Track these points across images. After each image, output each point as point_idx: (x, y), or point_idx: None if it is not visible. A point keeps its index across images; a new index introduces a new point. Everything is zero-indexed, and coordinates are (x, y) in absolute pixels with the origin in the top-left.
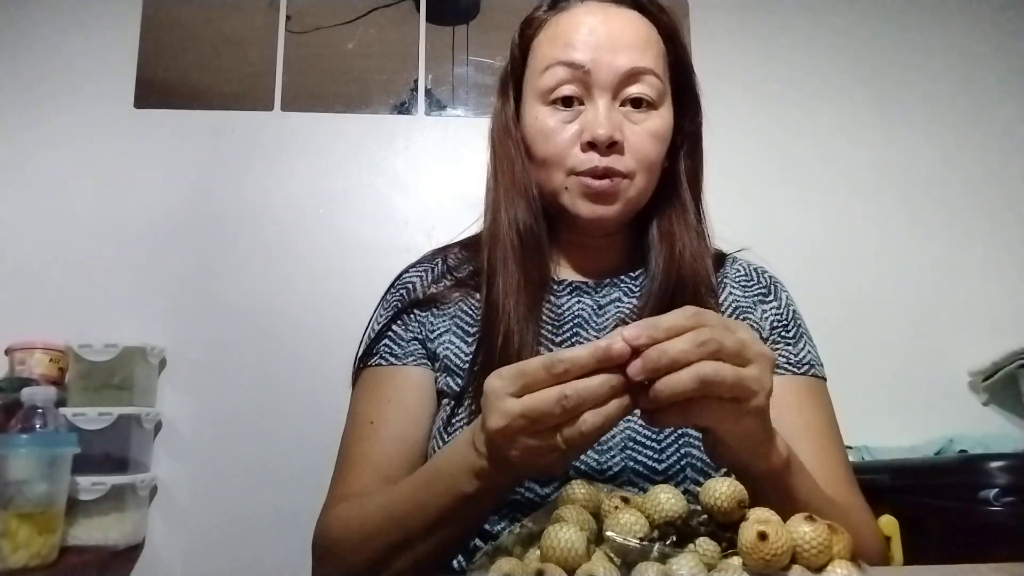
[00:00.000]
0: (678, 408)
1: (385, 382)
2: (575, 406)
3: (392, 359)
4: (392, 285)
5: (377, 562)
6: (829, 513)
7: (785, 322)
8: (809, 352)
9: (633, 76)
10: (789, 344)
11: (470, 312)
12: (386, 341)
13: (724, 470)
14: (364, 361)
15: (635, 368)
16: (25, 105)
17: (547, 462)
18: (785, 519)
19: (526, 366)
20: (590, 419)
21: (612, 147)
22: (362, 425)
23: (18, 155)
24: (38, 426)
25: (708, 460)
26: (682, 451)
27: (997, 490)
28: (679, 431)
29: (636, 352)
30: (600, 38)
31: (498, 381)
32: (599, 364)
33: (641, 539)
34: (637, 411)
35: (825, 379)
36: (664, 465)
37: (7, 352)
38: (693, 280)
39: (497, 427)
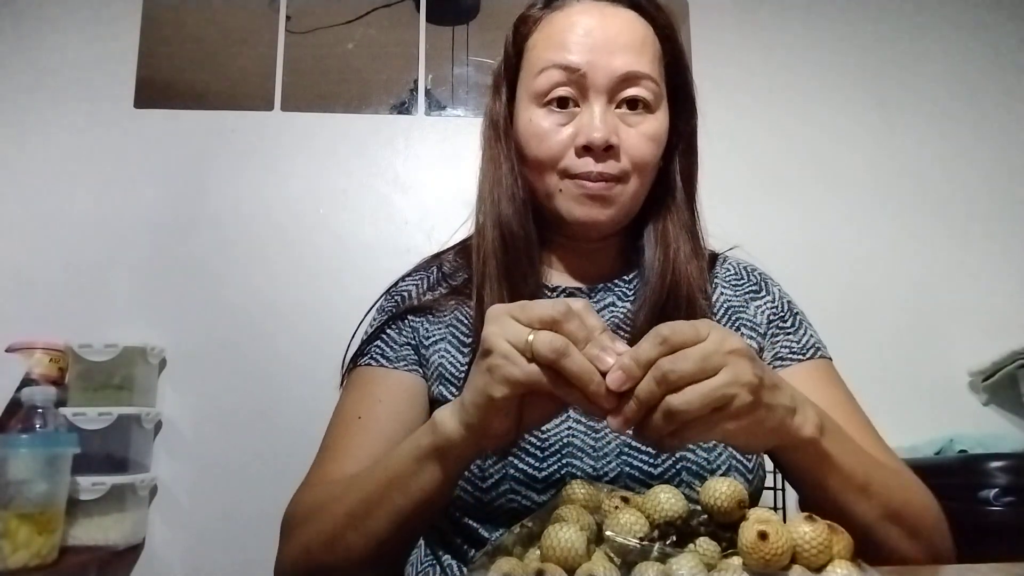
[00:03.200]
0: (670, 438)
1: (376, 382)
2: (556, 346)
3: (384, 361)
4: (387, 291)
5: (332, 535)
6: (881, 474)
7: (781, 313)
8: (811, 336)
9: (629, 80)
10: (790, 334)
11: (465, 321)
12: (378, 343)
13: (721, 471)
14: (355, 361)
15: (617, 423)
16: (25, 105)
17: (508, 373)
18: (832, 486)
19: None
20: (559, 341)
21: (608, 151)
22: (349, 419)
23: (18, 155)
24: (38, 426)
25: (704, 463)
26: (677, 455)
27: (997, 490)
28: None
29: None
30: (596, 39)
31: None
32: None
33: (641, 539)
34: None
35: (831, 359)
36: (660, 469)
37: (7, 352)
38: (687, 282)
39: (492, 323)
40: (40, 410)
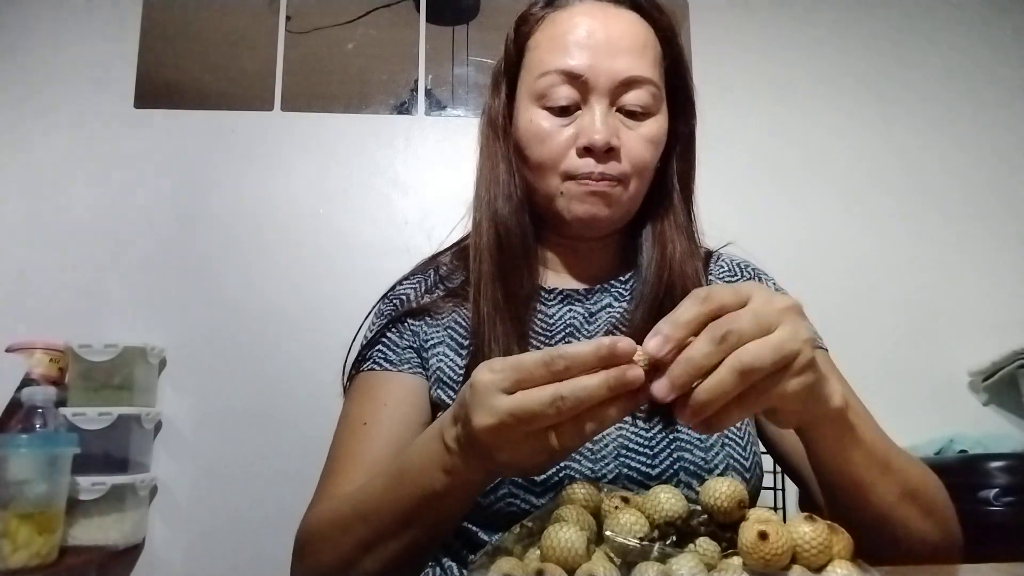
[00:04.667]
0: (732, 406)
1: (380, 386)
2: (571, 408)
3: (387, 365)
4: (385, 296)
5: (347, 560)
6: (897, 452)
7: None
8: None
9: (630, 83)
10: None
11: (463, 323)
12: (380, 347)
13: (719, 471)
14: (357, 367)
15: (663, 389)
16: (25, 105)
17: (535, 463)
18: (857, 462)
19: (522, 360)
20: (590, 427)
21: (608, 153)
22: (355, 426)
23: (18, 155)
24: (38, 426)
25: (701, 463)
26: (674, 455)
27: (997, 490)
28: (671, 436)
29: (658, 365)
30: (598, 41)
31: (488, 375)
32: (602, 363)
33: (641, 539)
34: (628, 418)
35: (827, 351)
36: (657, 470)
37: (7, 352)
38: (683, 282)
39: (485, 425)
40: (40, 410)
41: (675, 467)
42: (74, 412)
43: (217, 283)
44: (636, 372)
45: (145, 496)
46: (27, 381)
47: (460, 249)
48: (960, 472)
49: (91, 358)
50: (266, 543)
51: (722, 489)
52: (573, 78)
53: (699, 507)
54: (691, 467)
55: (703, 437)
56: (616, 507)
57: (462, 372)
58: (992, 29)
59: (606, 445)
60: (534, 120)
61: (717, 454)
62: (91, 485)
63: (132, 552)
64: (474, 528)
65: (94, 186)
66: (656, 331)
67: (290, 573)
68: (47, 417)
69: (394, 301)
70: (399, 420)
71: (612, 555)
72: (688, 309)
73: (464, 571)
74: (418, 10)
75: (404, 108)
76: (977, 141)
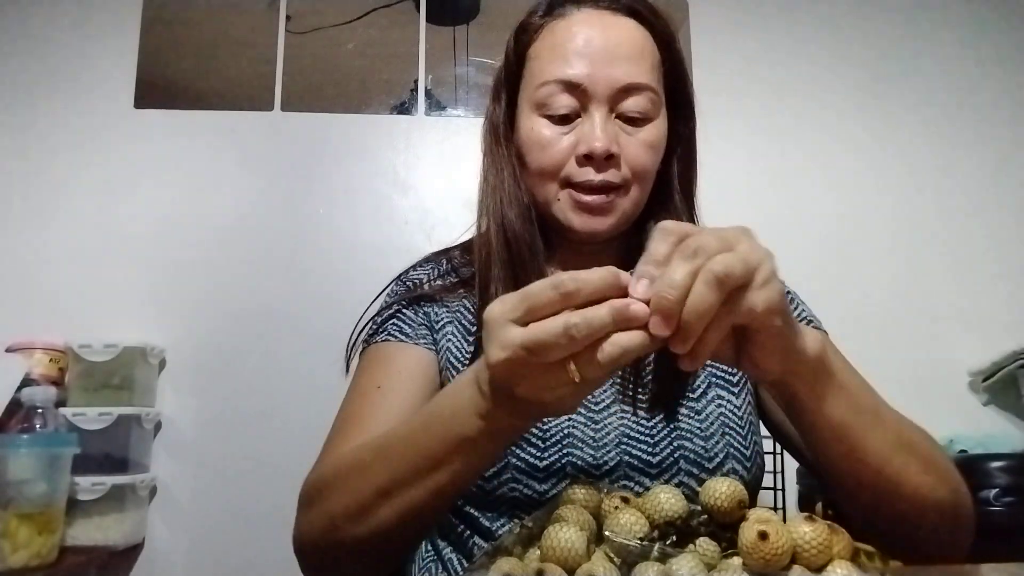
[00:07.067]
0: (710, 327)
1: (395, 356)
2: (585, 336)
3: (402, 337)
4: (398, 278)
5: (361, 507)
6: (887, 406)
7: None
8: (803, 311)
9: (629, 90)
10: None
11: (472, 310)
12: (395, 321)
13: (719, 459)
14: (370, 340)
15: (659, 325)
16: (25, 105)
17: (557, 396)
18: (843, 409)
19: (530, 287)
20: (608, 348)
21: (608, 160)
22: (367, 390)
23: (18, 155)
24: (38, 426)
25: (702, 452)
26: (675, 444)
27: (997, 490)
28: (671, 425)
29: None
30: (596, 49)
31: (499, 306)
32: (610, 291)
33: (641, 539)
34: (629, 408)
35: (827, 332)
36: (658, 458)
37: (7, 352)
38: None
39: (499, 360)
40: (40, 410)
41: (675, 455)
42: (74, 412)
43: (217, 283)
44: (640, 307)
45: (145, 496)
46: (27, 381)
47: (471, 245)
48: (960, 472)
49: (91, 358)
50: (266, 543)
51: (722, 489)
52: (572, 87)
53: (699, 507)
54: (691, 455)
55: (703, 426)
56: (616, 507)
57: (469, 355)
58: (992, 28)
59: (608, 433)
60: (535, 128)
61: (717, 443)
62: (91, 485)
63: (132, 552)
64: (476, 513)
65: (94, 186)
66: (640, 274)
67: (294, 528)
68: (47, 417)
69: (408, 283)
70: (415, 389)
71: (612, 555)
72: (661, 244)
73: (464, 561)
74: (418, 10)
75: (404, 108)
76: (976, 141)
